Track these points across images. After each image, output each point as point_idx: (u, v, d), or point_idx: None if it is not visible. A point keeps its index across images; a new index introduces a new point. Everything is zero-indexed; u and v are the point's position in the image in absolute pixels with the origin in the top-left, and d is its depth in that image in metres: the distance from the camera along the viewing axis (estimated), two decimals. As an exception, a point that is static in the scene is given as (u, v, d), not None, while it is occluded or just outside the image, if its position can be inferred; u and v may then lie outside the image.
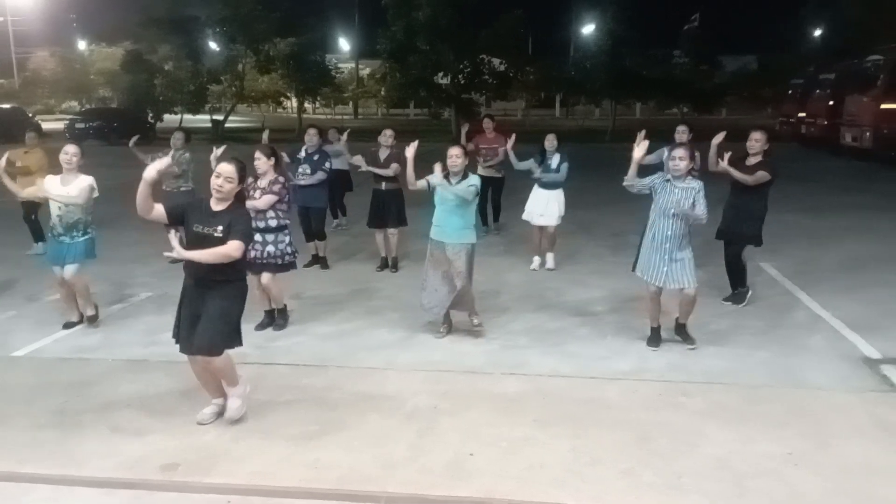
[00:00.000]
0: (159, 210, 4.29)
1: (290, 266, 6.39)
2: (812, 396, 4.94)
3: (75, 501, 3.66)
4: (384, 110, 50.88)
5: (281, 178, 6.26)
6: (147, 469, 3.98)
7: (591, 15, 33.42)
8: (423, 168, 6.11)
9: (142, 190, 4.12)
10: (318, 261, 8.60)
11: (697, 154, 6.88)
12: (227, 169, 4.30)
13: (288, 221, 6.35)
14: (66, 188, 6.13)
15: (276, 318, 6.37)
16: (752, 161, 6.68)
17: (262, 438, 4.34)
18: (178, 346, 4.46)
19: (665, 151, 7.83)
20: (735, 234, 6.87)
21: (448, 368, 5.44)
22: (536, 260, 8.47)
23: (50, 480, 3.82)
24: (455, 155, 5.86)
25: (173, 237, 4.28)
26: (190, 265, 4.30)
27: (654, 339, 5.92)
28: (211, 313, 4.27)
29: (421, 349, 5.90)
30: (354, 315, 6.79)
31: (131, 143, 9.16)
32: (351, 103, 48.83)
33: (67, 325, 6.41)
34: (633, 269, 6.23)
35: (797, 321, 6.56)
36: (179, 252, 4.17)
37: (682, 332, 5.92)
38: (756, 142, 6.69)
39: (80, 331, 6.38)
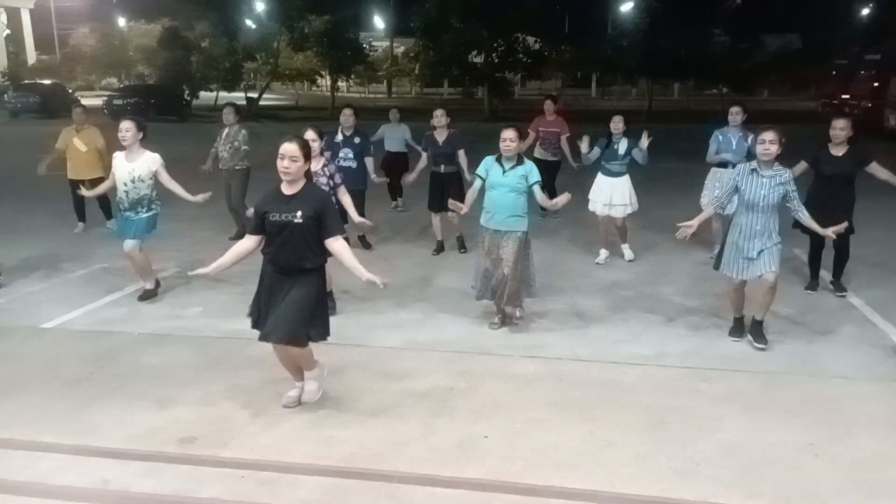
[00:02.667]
0: (251, 240, 4.33)
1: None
2: (834, 385, 4.83)
3: (89, 470, 3.74)
4: (418, 89, 50.70)
5: (331, 166, 6.05)
6: (164, 441, 4.06)
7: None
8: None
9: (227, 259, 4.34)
10: (360, 241, 8.36)
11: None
12: (289, 148, 4.10)
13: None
14: (131, 164, 6.22)
15: None
16: (840, 151, 6.28)
17: (278, 414, 4.39)
18: (256, 331, 4.32)
19: (719, 136, 7.60)
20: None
21: (465, 349, 5.43)
22: (603, 253, 7.88)
23: (66, 450, 3.91)
24: (509, 139, 5.54)
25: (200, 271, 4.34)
26: (274, 253, 4.18)
27: (737, 330, 5.61)
28: (294, 301, 4.17)
29: (439, 329, 5.89)
30: (384, 296, 6.78)
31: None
32: (385, 82, 48.73)
33: (143, 297, 6.55)
34: (717, 266, 5.66)
35: (828, 308, 6.41)
36: (366, 276, 4.16)
37: (756, 328, 5.49)
38: (841, 130, 6.26)
39: (108, 304, 6.51)
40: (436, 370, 5.01)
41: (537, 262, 6.95)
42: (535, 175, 5.65)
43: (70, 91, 35.43)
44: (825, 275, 6.92)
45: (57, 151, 9.13)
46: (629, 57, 30.60)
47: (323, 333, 4.37)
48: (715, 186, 7.72)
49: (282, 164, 4.13)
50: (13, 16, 52.24)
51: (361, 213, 8.27)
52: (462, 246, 8.34)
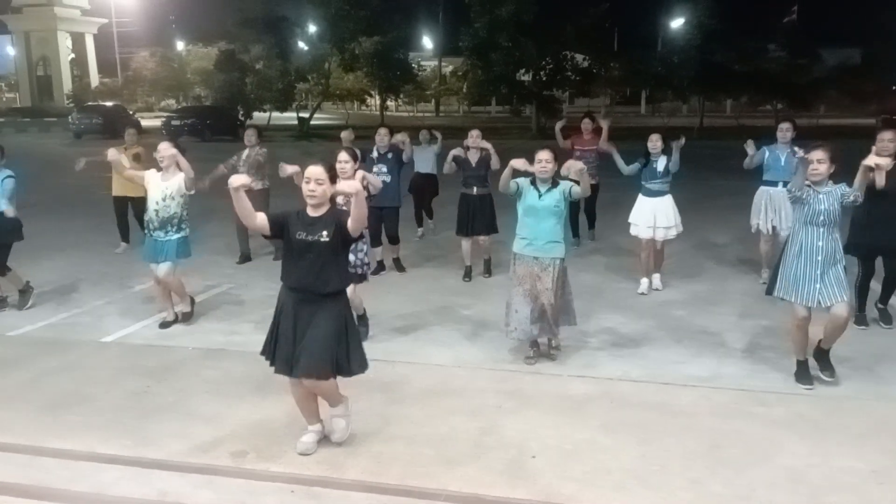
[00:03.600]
0: (262, 220, 4.03)
1: (363, 278, 6.05)
2: (902, 411, 4.64)
3: (150, 482, 3.84)
4: (465, 107, 51.02)
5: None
6: (219, 454, 4.14)
7: (680, 7, 32.40)
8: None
9: (236, 200, 3.90)
10: (394, 263, 8.39)
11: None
12: (315, 171, 3.99)
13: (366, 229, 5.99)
14: (165, 184, 6.21)
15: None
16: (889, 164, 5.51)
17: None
18: (271, 365, 4.14)
19: (766, 151, 7.38)
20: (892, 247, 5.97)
21: (515, 368, 5.40)
22: (644, 283, 7.41)
23: (125, 461, 4.02)
24: (544, 160, 5.26)
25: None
26: (295, 277, 4.02)
27: (804, 374, 5.06)
28: (318, 331, 3.95)
29: (488, 347, 5.88)
30: (425, 310, 6.83)
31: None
32: (433, 101, 49.20)
33: (164, 325, 6.45)
34: (770, 291, 5.34)
35: (893, 330, 6.17)
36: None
37: (822, 357, 5.10)
38: (889, 142, 5.80)
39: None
40: (485, 389, 4.99)
41: (582, 286, 6.80)
42: (569, 184, 5.35)
43: (131, 112, 36.73)
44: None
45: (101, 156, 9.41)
46: (681, 73, 30.24)
47: (361, 366, 4.12)
48: (761, 208, 7.52)
49: (307, 188, 4.00)
50: (78, 40, 54.61)
51: (396, 232, 8.27)
52: (487, 270, 8.10)
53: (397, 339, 6.09)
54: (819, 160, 4.86)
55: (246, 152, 8.58)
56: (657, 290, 7.49)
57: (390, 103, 43.09)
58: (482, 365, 5.48)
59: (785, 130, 7.34)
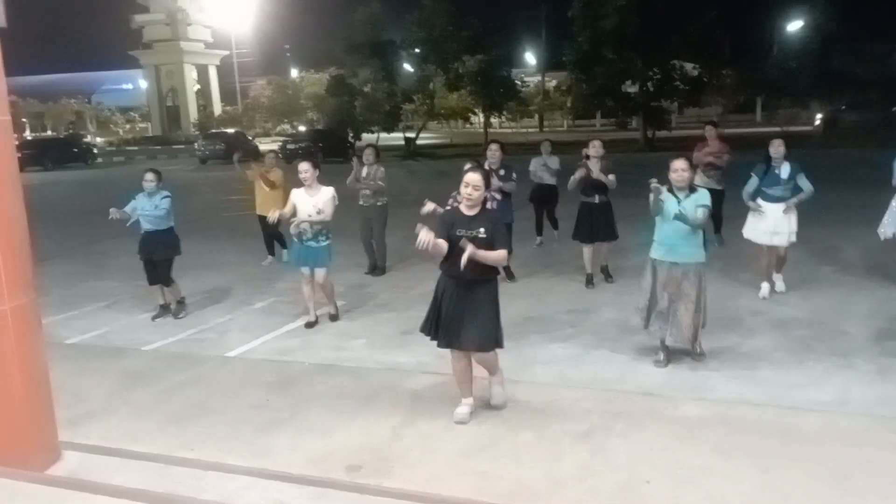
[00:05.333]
0: (443, 244, 4.58)
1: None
2: None
3: (266, 492, 4.02)
4: (570, 122, 50.58)
5: (488, 197, 5.93)
6: (332, 467, 4.28)
7: (796, 11, 30.86)
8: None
9: (434, 244, 4.49)
10: (505, 273, 8.40)
11: None
12: (474, 178, 4.61)
13: None
14: (312, 199, 6.94)
15: None
16: None
17: (436, 446, 4.50)
18: (433, 339, 4.78)
19: None
20: None
21: (624, 388, 5.28)
22: (765, 287, 7.42)
23: (246, 471, 4.23)
24: (681, 168, 5.44)
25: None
26: (455, 266, 4.54)
27: None
28: (480, 311, 4.64)
29: (595, 367, 5.79)
30: (529, 329, 6.81)
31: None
32: (536, 116, 49.09)
33: (309, 325, 7.14)
34: None
35: None
36: (472, 251, 4.42)
37: None
38: None
39: (284, 334, 7.02)
40: (593, 409, 4.91)
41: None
42: (705, 199, 5.49)
43: (250, 138, 38.86)
44: None
45: (245, 175, 10.33)
46: (799, 79, 28.72)
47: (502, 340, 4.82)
48: None
49: (466, 191, 4.62)
50: (202, 72, 58.48)
51: (509, 247, 8.37)
52: (608, 275, 8.30)
53: (502, 356, 6.07)
54: None
55: (365, 170, 9.06)
56: (781, 292, 7.41)
57: (494, 120, 43.33)
58: (590, 384, 5.40)
59: None
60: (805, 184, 7.18)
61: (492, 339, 4.71)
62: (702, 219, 5.44)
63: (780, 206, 7.19)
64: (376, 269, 9.40)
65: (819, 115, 33.06)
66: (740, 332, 6.43)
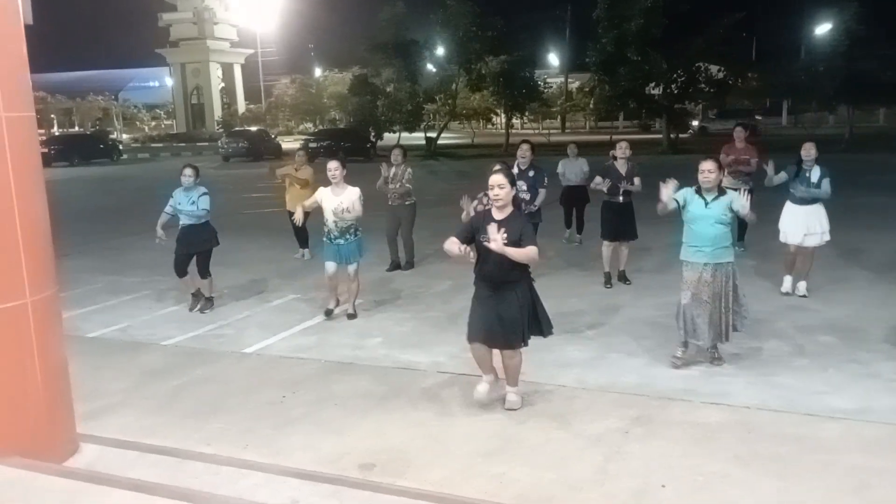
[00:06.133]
0: (464, 247, 4.77)
1: None
2: None
3: (281, 489, 4.03)
4: (592, 123, 50.32)
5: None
6: (347, 466, 4.28)
7: (824, 13, 30.40)
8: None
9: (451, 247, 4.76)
10: None
11: None
12: (497, 178, 4.66)
13: None
14: (338, 198, 7.01)
15: None
16: None
17: (451, 447, 4.48)
18: (477, 342, 4.90)
19: None
20: None
21: (641, 392, 5.23)
22: (788, 280, 7.56)
23: (262, 468, 4.24)
24: (707, 170, 5.49)
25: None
26: (485, 269, 4.75)
27: None
28: (509, 311, 4.72)
29: (612, 370, 5.73)
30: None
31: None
32: (559, 117, 48.90)
33: (328, 313, 7.35)
34: None
35: None
36: (500, 247, 4.49)
37: None
38: None
39: (301, 332, 7.04)
40: (610, 413, 4.87)
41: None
42: (736, 200, 5.53)
43: (273, 136, 39.09)
44: None
45: (277, 174, 10.49)
46: (826, 82, 28.31)
47: (549, 326, 4.98)
48: None
49: (493, 193, 4.66)
50: (227, 70, 59.00)
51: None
52: (626, 278, 8.34)
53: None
54: None
55: (393, 170, 9.11)
56: (804, 296, 7.42)
57: (516, 121, 43.24)
58: (607, 388, 5.36)
59: None
60: (825, 186, 7.25)
61: (518, 336, 4.79)
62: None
63: (810, 208, 7.32)
64: (398, 266, 9.46)
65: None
66: (762, 336, 6.34)
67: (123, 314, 7.85)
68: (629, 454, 4.30)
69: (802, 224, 7.36)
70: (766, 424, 4.63)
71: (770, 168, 7.51)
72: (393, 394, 5.34)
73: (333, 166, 7.02)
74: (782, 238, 7.57)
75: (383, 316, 7.50)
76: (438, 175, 8.29)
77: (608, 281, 8.28)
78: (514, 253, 4.55)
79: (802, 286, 7.52)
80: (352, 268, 7.20)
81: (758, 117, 39.78)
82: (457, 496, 3.91)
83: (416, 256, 9.64)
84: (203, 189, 7.66)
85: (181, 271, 7.71)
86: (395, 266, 9.47)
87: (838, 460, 4.12)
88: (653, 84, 31.99)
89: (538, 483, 4.01)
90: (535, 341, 6.38)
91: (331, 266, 7.17)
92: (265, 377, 5.79)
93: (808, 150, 7.27)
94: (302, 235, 10.21)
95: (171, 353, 6.54)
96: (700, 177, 5.50)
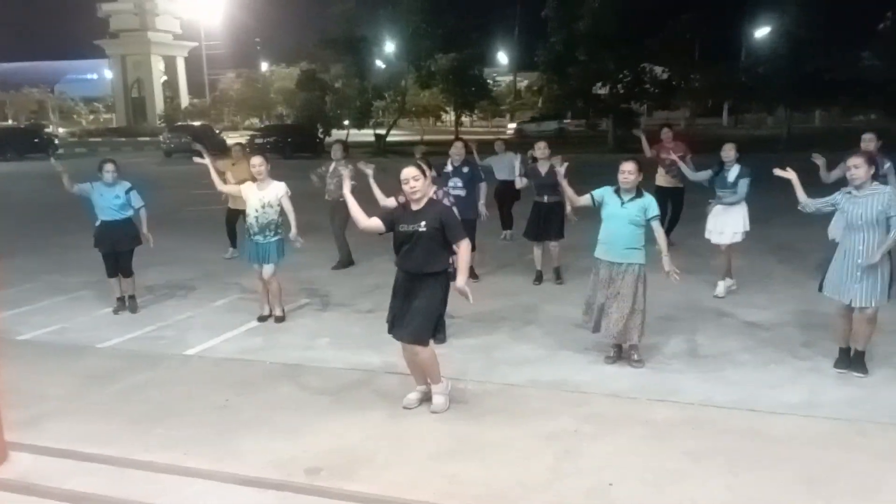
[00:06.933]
0: (377, 223, 4.79)
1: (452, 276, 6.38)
2: None
3: (230, 497, 3.90)
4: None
5: (441, 194, 5.90)
6: (294, 470, 4.16)
7: (766, 17, 31.30)
8: (578, 181, 5.95)
9: (351, 207, 4.83)
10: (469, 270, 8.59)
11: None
12: (410, 171, 4.67)
13: None
14: (261, 192, 6.84)
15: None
16: None
17: (403, 448, 4.40)
18: (390, 333, 4.89)
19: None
20: None
21: (592, 390, 5.23)
22: (721, 285, 7.64)
23: (206, 475, 4.08)
24: (627, 171, 5.52)
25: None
26: (402, 259, 4.76)
27: (842, 360, 5.45)
28: (420, 304, 4.68)
29: (564, 368, 5.73)
30: (498, 328, 6.75)
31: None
32: (507, 115, 49.25)
33: (261, 319, 7.10)
34: (820, 289, 5.71)
35: None
36: (460, 272, 4.65)
37: (858, 360, 5.39)
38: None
39: (246, 332, 6.85)
40: (561, 411, 4.86)
41: (661, 303, 6.73)
42: (654, 209, 5.57)
43: (217, 132, 38.23)
44: None
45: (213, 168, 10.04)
46: (768, 84, 29.18)
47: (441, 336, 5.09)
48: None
49: (408, 187, 4.66)
50: (170, 64, 57.56)
51: (472, 242, 8.41)
52: (558, 277, 8.39)
53: (472, 356, 6.01)
54: (855, 165, 5.15)
55: (332, 165, 8.94)
56: (719, 297, 7.56)
57: (465, 119, 43.35)
58: (559, 385, 5.35)
59: (868, 141, 7.15)
60: (742, 188, 7.40)
61: (426, 333, 4.71)
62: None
63: (723, 208, 7.54)
64: (347, 265, 9.35)
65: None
66: (707, 333, 6.45)
67: (61, 315, 7.51)
68: (581, 453, 4.29)
69: (713, 222, 7.62)
70: (714, 420, 4.69)
71: (684, 167, 8.17)
72: (344, 395, 5.22)
73: (258, 162, 6.83)
74: (706, 235, 7.78)
75: (333, 316, 7.36)
76: (388, 172, 8.09)
77: (538, 279, 8.37)
78: (461, 267, 4.66)
79: (720, 287, 7.65)
80: (268, 269, 6.88)
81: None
82: (405, 498, 3.84)
83: (365, 254, 9.51)
84: (128, 184, 7.42)
85: (114, 271, 7.45)
86: (344, 264, 9.38)
87: (788, 454, 4.19)
88: (600, 84, 32.45)
89: (492, 484, 3.97)
90: (488, 339, 6.41)
91: (256, 265, 6.95)
92: (209, 380, 5.60)
93: (728, 152, 7.47)
94: (233, 234, 10.03)
95: (111, 356, 6.28)
96: (620, 177, 5.55)
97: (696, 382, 5.36)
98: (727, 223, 7.52)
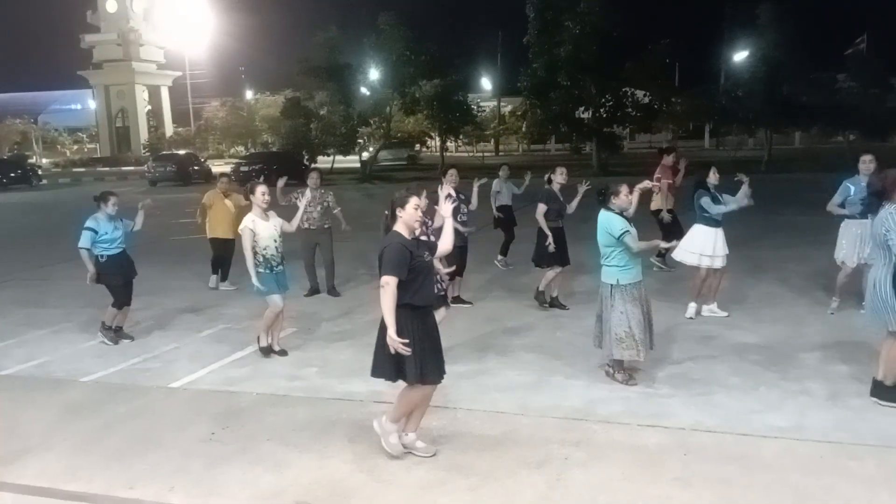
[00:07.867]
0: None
1: (443, 300, 6.46)
2: None
3: (215, 532, 3.83)
4: (525, 146, 51.16)
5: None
6: (284, 503, 4.09)
7: (744, 41, 31.82)
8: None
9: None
10: (457, 300, 8.46)
11: None
12: (419, 201, 4.48)
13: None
14: (272, 222, 6.74)
15: None
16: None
17: (391, 479, 4.35)
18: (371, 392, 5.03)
19: (850, 187, 7.32)
20: None
21: (582, 416, 5.20)
22: (692, 307, 7.68)
23: (193, 511, 4.02)
24: (623, 194, 5.81)
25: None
26: (426, 291, 4.48)
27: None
28: (378, 341, 4.48)
29: (554, 394, 5.70)
30: (486, 355, 6.71)
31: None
32: (492, 140, 49.54)
33: (282, 353, 6.89)
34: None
35: None
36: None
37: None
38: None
39: (232, 363, 6.76)
40: (551, 438, 4.82)
41: (657, 321, 6.70)
42: (616, 224, 5.77)
43: (202, 160, 38.15)
44: None
45: (203, 206, 10.07)
46: (747, 106, 29.61)
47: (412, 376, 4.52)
48: (851, 241, 7.30)
49: (419, 215, 4.46)
50: (154, 93, 57.52)
51: (463, 268, 8.42)
52: (561, 305, 8.30)
53: (460, 384, 5.97)
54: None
55: (309, 194, 8.82)
56: (690, 318, 7.60)
57: (450, 144, 43.53)
58: (547, 412, 5.31)
59: (867, 162, 7.27)
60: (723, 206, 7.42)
61: (376, 369, 4.50)
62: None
63: (718, 231, 7.51)
64: (317, 291, 9.35)
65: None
66: (695, 357, 6.45)
67: (43, 348, 7.40)
68: (571, 480, 4.26)
69: (710, 245, 7.50)
70: (705, 445, 4.67)
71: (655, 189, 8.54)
72: (332, 426, 5.16)
73: (264, 191, 6.72)
74: (679, 257, 7.73)
75: (319, 344, 7.30)
76: (375, 198, 8.12)
77: (552, 304, 8.26)
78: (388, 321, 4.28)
79: (691, 309, 7.67)
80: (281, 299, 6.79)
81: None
82: (399, 532, 3.78)
83: (349, 282, 9.47)
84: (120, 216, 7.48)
85: (129, 299, 7.55)
86: (315, 291, 9.36)
87: (779, 479, 4.17)
88: (583, 108, 32.74)
89: (483, 514, 3.92)
90: (476, 364, 6.37)
91: (280, 298, 6.74)
92: (195, 412, 5.52)
93: (714, 174, 7.51)
94: (218, 263, 9.95)
95: (94, 389, 6.18)
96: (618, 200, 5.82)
97: (685, 406, 5.35)
98: (719, 246, 7.50)
